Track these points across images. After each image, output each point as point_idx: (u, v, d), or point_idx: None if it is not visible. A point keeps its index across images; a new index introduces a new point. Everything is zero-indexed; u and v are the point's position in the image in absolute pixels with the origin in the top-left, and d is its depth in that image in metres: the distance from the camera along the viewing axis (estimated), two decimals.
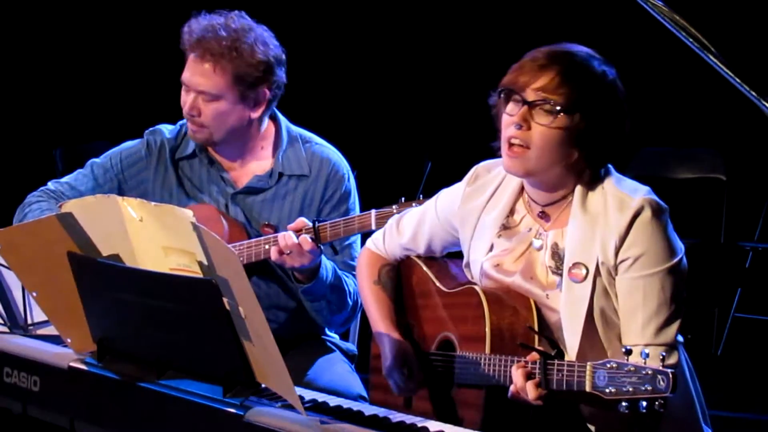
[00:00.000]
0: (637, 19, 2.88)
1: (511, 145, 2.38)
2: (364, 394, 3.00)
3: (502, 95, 2.40)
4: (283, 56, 3.15)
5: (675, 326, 2.35)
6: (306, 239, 2.89)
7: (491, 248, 2.54)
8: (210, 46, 3.03)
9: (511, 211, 2.53)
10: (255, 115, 3.11)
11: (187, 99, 3.10)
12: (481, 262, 2.54)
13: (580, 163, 2.39)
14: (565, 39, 2.47)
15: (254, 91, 3.08)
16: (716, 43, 2.29)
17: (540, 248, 2.47)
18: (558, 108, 2.33)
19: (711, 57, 2.30)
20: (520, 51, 2.45)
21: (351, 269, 3.10)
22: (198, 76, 3.05)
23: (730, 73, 2.29)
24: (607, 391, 2.07)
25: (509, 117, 2.38)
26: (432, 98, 6.59)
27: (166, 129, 3.25)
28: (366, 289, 2.77)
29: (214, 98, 3.05)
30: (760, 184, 6.01)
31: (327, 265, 3.01)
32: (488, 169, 2.59)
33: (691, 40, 2.31)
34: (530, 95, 2.35)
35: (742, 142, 5.97)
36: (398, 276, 2.78)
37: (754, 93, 2.28)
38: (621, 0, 2.46)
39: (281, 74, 3.13)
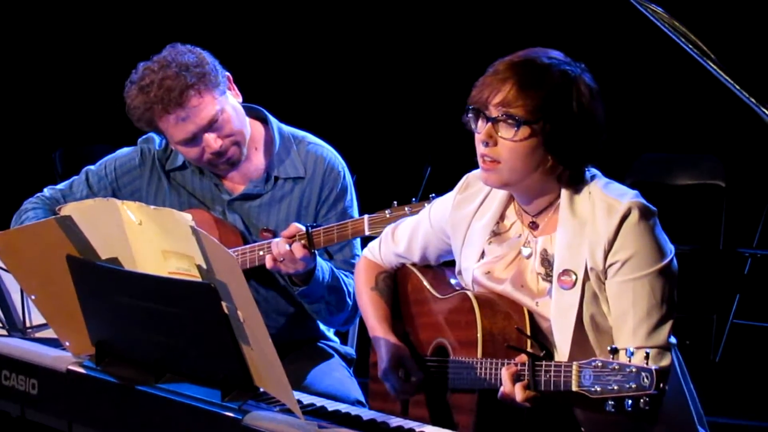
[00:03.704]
0: (637, 26, 2.88)
1: (484, 160, 2.39)
2: (362, 399, 3.00)
3: (469, 113, 2.41)
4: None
5: (666, 328, 2.34)
6: (298, 247, 2.89)
7: (482, 255, 2.54)
8: (177, 90, 2.95)
9: (501, 217, 2.53)
10: (239, 97, 3.10)
11: (205, 145, 3.02)
12: (473, 269, 2.54)
13: (557, 166, 2.39)
14: (565, 46, 2.46)
15: (223, 79, 3.04)
16: (716, 49, 2.30)
17: (529, 256, 2.47)
18: (518, 120, 2.32)
19: (710, 63, 2.30)
20: None
21: (351, 268, 3.09)
22: (197, 117, 2.98)
23: (729, 79, 2.29)
24: (593, 390, 2.07)
25: (478, 134, 2.39)
26: (432, 103, 6.58)
27: (158, 138, 3.23)
28: (363, 295, 2.78)
29: (219, 115, 3.00)
30: (760, 190, 6.01)
31: (323, 266, 3.01)
32: (479, 177, 2.60)
33: (690, 46, 2.31)
34: (492, 111, 2.35)
35: (742, 148, 5.96)
36: (394, 284, 2.79)
37: (753, 99, 2.28)
38: (621, 6, 2.45)
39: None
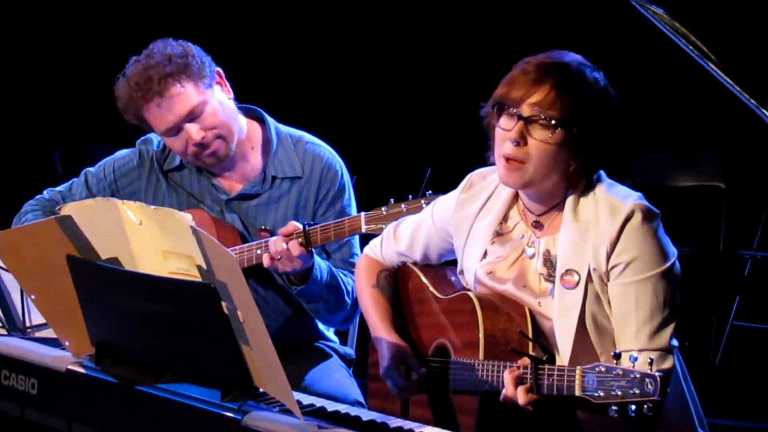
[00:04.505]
0: (638, 27, 2.88)
1: (507, 160, 2.37)
2: (362, 399, 3.00)
3: (494, 108, 2.40)
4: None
5: (669, 331, 2.35)
6: (295, 245, 2.88)
7: (485, 255, 2.54)
8: (157, 78, 2.95)
9: (505, 218, 2.53)
10: (230, 94, 3.10)
11: (187, 136, 3.01)
12: (475, 269, 2.54)
13: (577, 172, 2.39)
14: (566, 46, 2.46)
15: (210, 73, 3.04)
16: (716, 50, 2.30)
17: (532, 256, 2.47)
18: (555, 122, 2.32)
19: (711, 65, 2.30)
20: (521, 57, 2.44)
21: (350, 266, 3.09)
22: (176, 106, 2.97)
23: (729, 80, 2.29)
24: (597, 395, 2.08)
25: (504, 132, 2.37)
26: (432, 104, 6.59)
27: (156, 138, 3.23)
28: (364, 294, 2.78)
29: (202, 107, 2.99)
30: (760, 192, 6.01)
31: (321, 265, 3.01)
32: (483, 176, 2.60)
33: (691, 47, 2.31)
34: (526, 110, 2.33)
35: (742, 149, 5.97)
36: (395, 283, 2.79)
37: (753, 101, 2.28)
38: (622, 8, 2.45)
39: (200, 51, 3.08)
